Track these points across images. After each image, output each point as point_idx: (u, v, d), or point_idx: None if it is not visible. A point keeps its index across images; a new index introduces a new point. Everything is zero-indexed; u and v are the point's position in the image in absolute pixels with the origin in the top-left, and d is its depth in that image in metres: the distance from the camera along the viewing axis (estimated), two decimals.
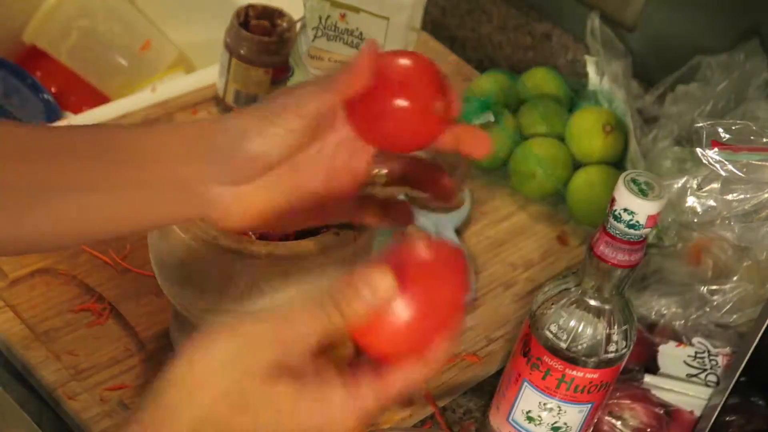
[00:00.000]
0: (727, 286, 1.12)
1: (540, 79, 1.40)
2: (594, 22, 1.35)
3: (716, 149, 1.16)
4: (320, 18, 1.23)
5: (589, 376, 0.97)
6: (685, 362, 1.10)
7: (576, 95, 1.39)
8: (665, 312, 1.13)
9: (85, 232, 0.83)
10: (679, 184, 1.17)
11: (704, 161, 1.17)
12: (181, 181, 0.79)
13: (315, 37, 1.24)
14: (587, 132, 1.32)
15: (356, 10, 1.23)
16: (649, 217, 0.89)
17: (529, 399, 1.00)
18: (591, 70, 1.39)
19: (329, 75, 0.79)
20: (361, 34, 1.24)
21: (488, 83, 1.38)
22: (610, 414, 1.07)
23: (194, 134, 0.81)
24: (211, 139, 0.79)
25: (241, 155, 0.78)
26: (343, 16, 1.23)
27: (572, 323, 0.96)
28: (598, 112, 1.33)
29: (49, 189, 0.79)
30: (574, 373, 0.97)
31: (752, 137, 1.17)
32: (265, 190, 0.80)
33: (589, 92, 1.39)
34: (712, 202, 1.16)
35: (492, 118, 1.33)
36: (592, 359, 0.96)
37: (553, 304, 0.97)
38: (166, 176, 0.80)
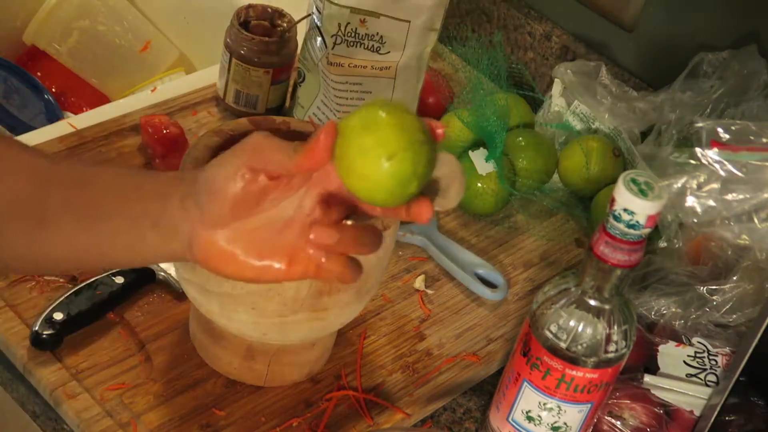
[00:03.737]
0: (727, 286, 1.12)
1: (504, 107, 1.34)
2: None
3: (716, 149, 1.16)
4: (339, 25, 1.23)
5: (588, 376, 0.97)
6: (684, 362, 1.10)
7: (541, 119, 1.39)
8: (665, 312, 1.13)
9: (86, 258, 0.85)
10: (679, 184, 1.17)
11: (704, 161, 1.17)
12: (166, 217, 0.81)
13: (335, 44, 1.24)
14: (599, 161, 1.31)
15: (376, 15, 1.23)
16: (649, 217, 0.89)
17: (528, 399, 1.00)
18: (557, 92, 1.39)
19: (296, 147, 0.79)
20: (381, 38, 1.24)
21: (456, 129, 1.33)
22: (610, 414, 1.07)
23: (171, 176, 0.83)
24: (192, 183, 0.81)
25: (221, 197, 0.79)
26: (363, 22, 1.23)
27: (572, 323, 0.96)
28: (599, 140, 1.32)
29: (59, 210, 0.82)
30: (574, 373, 0.97)
31: (752, 137, 1.17)
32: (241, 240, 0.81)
33: (567, 122, 1.38)
34: (711, 202, 1.16)
35: (493, 167, 1.29)
36: (592, 359, 0.96)
37: (553, 304, 0.97)
38: (149, 212, 0.81)
